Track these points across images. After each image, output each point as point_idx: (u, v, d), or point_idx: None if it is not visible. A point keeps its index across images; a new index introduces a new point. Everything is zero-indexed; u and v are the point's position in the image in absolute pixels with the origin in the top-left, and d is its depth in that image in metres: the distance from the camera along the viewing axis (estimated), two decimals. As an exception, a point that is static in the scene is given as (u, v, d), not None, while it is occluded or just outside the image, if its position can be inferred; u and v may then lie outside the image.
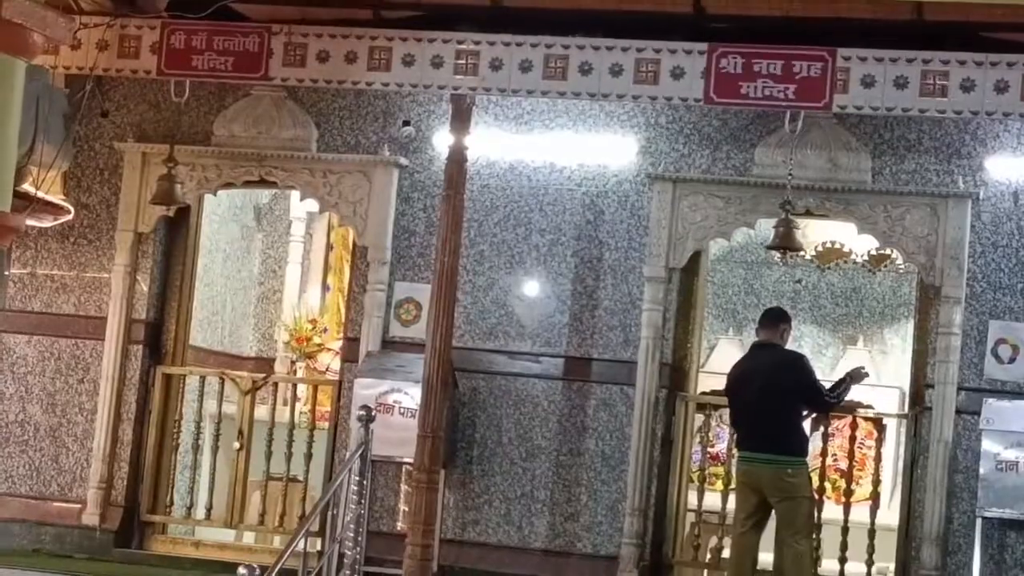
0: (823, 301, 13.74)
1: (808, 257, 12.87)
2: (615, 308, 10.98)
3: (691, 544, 10.91)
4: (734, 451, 10.35)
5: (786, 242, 10.20)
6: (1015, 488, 9.84)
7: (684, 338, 11.01)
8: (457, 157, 10.07)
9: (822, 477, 10.80)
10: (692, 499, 10.91)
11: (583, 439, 10.94)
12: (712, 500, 10.99)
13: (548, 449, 10.98)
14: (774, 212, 10.40)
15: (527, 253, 11.16)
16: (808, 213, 10.78)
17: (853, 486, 10.94)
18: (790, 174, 10.23)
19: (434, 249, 10.37)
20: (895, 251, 10.88)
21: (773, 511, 9.98)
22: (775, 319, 10.37)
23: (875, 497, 10.66)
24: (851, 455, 10.79)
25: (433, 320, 10.07)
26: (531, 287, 11.13)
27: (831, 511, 10.86)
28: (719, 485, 11.17)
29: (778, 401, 9.94)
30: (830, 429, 10.93)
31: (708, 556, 10.97)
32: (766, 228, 10.78)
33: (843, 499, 10.77)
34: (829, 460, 11.42)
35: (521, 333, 11.11)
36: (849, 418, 10.87)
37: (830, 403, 10.13)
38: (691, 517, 10.96)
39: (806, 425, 10.35)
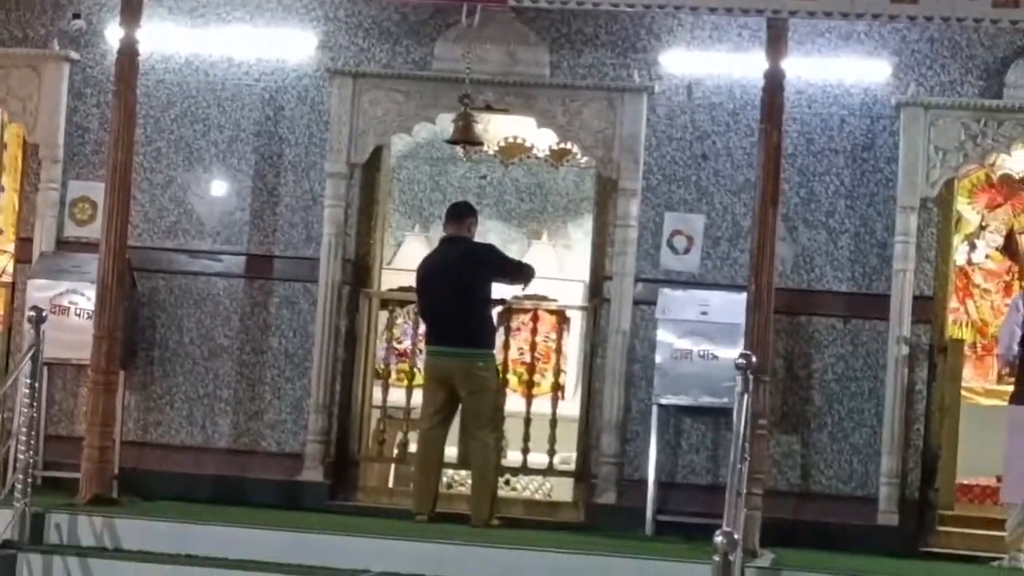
0: (508, 197, 13.82)
1: (491, 153, 12.90)
2: (296, 205, 10.87)
3: (376, 440, 10.92)
4: (421, 347, 10.39)
5: (465, 136, 10.22)
6: (688, 376, 10.06)
7: (367, 234, 10.95)
8: (128, 51, 9.76)
9: (506, 370, 10.90)
10: (377, 396, 10.91)
11: (266, 337, 10.83)
12: (398, 396, 11.01)
13: (231, 348, 10.85)
14: (455, 106, 10.39)
15: (205, 150, 10.95)
16: (488, 108, 10.80)
17: (537, 378, 11.11)
18: (468, 68, 10.23)
19: (108, 146, 10.07)
20: (575, 145, 10.96)
21: (460, 405, 10.07)
22: (461, 213, 10.41)
23: (557, 388, 10.83)
24: (534, 348, 10.91)
25: (108, 219, 9.80)
26: (210, 185, 10.94)
27: (514, 404, 10.98)
28: (405, 381, 11.19)
29: (468, 294, 10.01)
30: (515, 324, 11.05)
31: (394, 451, 11.00)
32: (449, 124, 10.74)
33: (527, 392, 10.90)
34: (514, 354, 11.55)
35: (201, 231, 10.92)
36: (532, 312, 11.01)
37: (530, 272, 10.32)
38: (377, 414, 10.96)
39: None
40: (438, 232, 13.56)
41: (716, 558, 7.05)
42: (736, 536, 7.29)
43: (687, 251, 10.59)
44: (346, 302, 10.73)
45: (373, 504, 10.60)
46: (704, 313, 10.14)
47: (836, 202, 10.53)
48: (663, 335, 10.18)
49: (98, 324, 9.71)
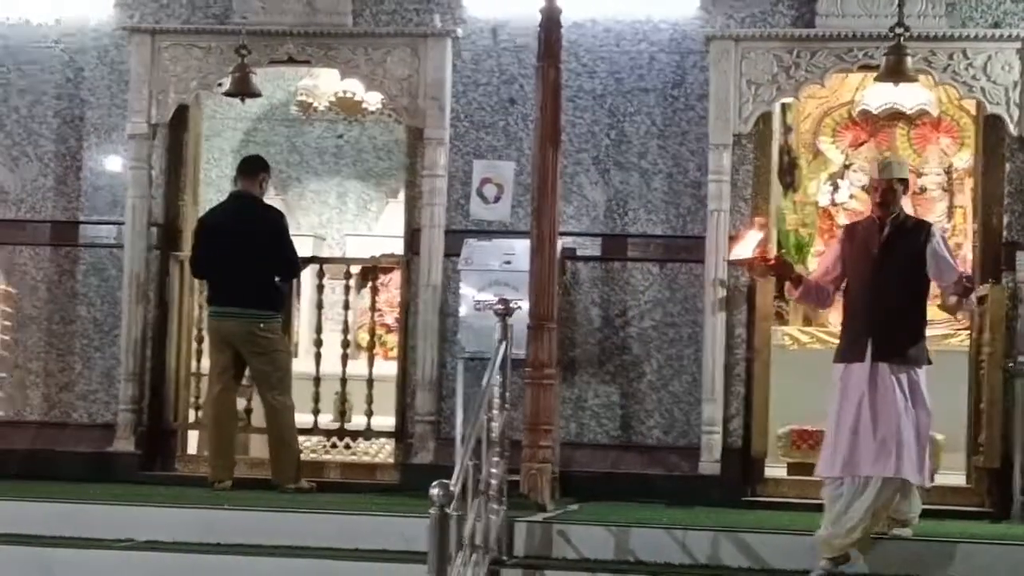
0: (366, 155, 13.46)
1: (320, 109, 12.50)
2: (100, 169, 10.57)
3: (193, 407, 10.60)
4: (204, 305, 10.13)
5: (241, 88, 9.90)
6: (492, 327, 9.58)
7: (176, 197, 10.61)
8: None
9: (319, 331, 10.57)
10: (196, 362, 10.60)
11: (74, 306, 10.54)
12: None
13: (39, 319, 10.56)
14: (257, 60, 10.12)
15: (7, 116, 10.66)
16: (290, 60, 10.47)
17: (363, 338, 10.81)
18: (243, 17, 9.93)
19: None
20: (381, 95, 10.63)
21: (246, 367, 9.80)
22: (254, 168, 10.07)
23: (372, 348, 10.55)
24: (347, 306, 10.58)
25: None
26: (13, 151, 10.63)
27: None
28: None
29: (252, 254, 9.67)
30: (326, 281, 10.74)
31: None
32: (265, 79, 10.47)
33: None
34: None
35: (5, 199, 10.63)
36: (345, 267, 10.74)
37: (297, 271, 10.12)
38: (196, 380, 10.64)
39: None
40: (296, 194, 13.39)
41: (432, 511, 6.69)
42: (454, 488, 6.88)
43: (497, 199, 10.24)
44: (155, 267, 10.42)
45: (191, 474, 10.30)
46: (508, 262, 9.73)
47: (648, 143, 10.16)
48: (465, 287, 9.78)
49: None
